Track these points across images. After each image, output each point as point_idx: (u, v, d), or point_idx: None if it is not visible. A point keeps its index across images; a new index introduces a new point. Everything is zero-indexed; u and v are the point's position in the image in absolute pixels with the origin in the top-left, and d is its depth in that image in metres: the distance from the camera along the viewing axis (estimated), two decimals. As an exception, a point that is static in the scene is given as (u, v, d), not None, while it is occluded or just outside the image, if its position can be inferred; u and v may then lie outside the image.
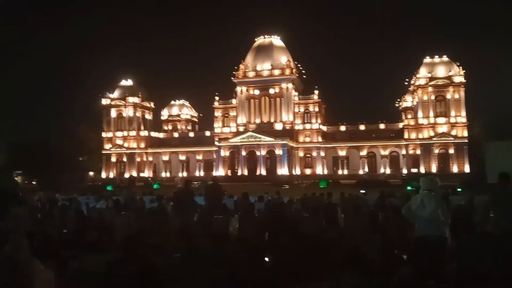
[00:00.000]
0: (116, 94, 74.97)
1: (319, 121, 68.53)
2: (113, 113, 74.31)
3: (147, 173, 72.52)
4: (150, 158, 74.24)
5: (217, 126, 72.34)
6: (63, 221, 11.31)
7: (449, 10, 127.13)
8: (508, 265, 6.03)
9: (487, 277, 5.99)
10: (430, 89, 63.17)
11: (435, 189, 7.10)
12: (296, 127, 68.58)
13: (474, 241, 6.98)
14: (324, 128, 69.47)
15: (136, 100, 73.97)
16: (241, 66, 71.65)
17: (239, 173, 63.35)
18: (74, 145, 70.47)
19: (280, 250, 6.22)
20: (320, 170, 66.23)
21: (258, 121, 70.04)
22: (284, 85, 69.14)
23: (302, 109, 69.34)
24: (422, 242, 6.69)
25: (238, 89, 71.21)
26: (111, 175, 71.75)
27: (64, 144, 68.22)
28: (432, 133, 62.66)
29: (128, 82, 75.89)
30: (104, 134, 74.15)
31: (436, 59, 65.39)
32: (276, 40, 74.32)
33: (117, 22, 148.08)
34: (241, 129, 69.40)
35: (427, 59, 65.60)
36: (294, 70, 70.31)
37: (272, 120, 69.54)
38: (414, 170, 60.85)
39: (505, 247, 6.34)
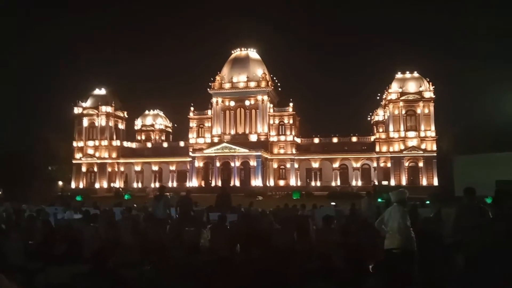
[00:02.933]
0: (88, 103, 73.50)
1: (293, 133, 69.06)
2: (85, 122, 72.73)
3: (118, 184, 71.23)
4: (122, 168, 72.97)
5: (192, 136, 71.89)
6: (29, 232, 10.99)
7: (421, 26, 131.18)
8: (474, 278, 6.19)
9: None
10: (401, 103, 64.70)
11: (403, 201, 7.29)
12: (271, 139, 68.87)
13: (441, 253, 7.17)
14: (298, 140, 70.01)
15: (109, 109, 72.73)
16: (217, 78, 71.73)
17: (213, 184, 62.98)
18: (44, 154, 68.56)
19: (252, 262, 6.22)
20: (293, 181, 66.61)
21: (233, 132, 70.03)
22: (259, 97, 69.54)
23: (277, 121, 69.82)
24: (391, 254, 6.83)
25: (214, 100, 71.14)
26: (81, 185, 70.18)
27: (34, 153, 66.33)
28: (402, 147, 64.01)
29: (101, 91, 74.49)
30: (75, 143, 72.45)
31: (407, 75, 67.16)
32: (252, 53, 74.90)
33: (90, 30, 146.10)
34: (215, 140, 69.19)
35: (399, 75, 67.25)
36: (269, 83, 70.85)
37: (247, 132, 69.67)
38: (384, 183, 62.01)
39: (471, 260, 6.52)
